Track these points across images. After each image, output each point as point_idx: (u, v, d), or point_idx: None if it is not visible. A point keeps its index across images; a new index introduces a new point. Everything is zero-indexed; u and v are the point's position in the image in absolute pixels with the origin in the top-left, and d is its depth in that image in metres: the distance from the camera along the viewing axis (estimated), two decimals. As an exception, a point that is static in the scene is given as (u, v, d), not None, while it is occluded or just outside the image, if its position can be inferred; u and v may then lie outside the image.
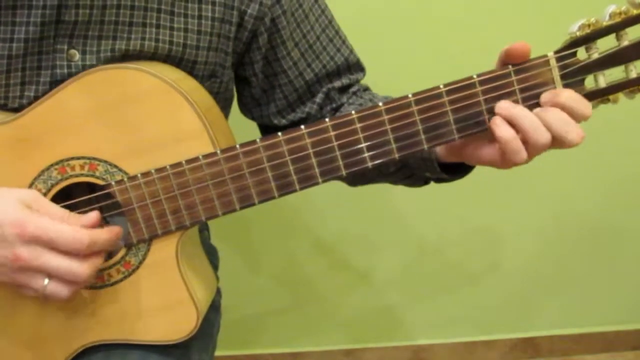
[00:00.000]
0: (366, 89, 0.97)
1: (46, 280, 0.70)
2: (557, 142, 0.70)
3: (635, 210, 1.73)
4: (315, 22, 0.91)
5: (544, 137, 0.69)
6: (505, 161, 0.73)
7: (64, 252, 0.69)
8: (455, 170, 0.83)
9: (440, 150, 0.80)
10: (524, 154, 0.70)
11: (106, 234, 0.72)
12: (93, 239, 0.70)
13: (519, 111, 0.70)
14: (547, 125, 0.69)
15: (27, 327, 0.79)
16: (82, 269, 0.70)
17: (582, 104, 0.70)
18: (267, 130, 0.97)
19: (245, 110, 0.97)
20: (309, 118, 0.93)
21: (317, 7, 0.91)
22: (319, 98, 0.92)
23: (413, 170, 0.86)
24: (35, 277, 0.70)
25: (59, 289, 0.71)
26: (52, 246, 0.69)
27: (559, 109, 0.70)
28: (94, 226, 0.72)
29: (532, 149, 0.71)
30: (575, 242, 1.75)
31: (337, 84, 0.93)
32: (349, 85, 0.94)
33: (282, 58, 0.89)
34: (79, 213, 0.73)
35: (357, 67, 0.95)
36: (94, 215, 0.73)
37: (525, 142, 0.70)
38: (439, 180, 0.87)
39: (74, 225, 0.70)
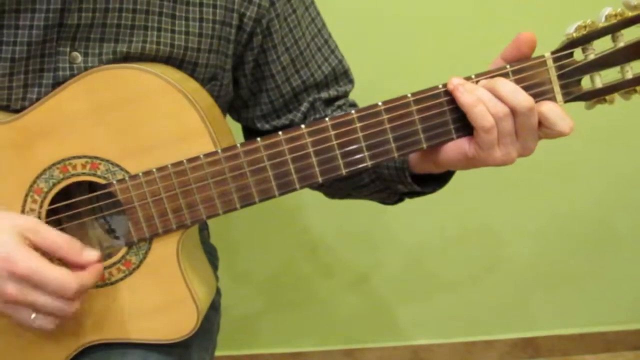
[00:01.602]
0: (352, 104, 0.96)
1: (33, 315, 0.71)
2: (514, 113, 0.70)
3: (635, 210, 1.73)
4: (306, 30, 0.91)
5: (501, 106, 0.70)
6: (475, 145, 0.72)
7: (53, 294, 0.70)
8: (428, 183, 0.83)
9: (412, 158, 0.81)
10: (489, 117, 0.70)
11: (94, 277, 0.74)
12: (82, 284, 0.71)
13: (472, 86, 0.71)
14: (499, 96, 0.70)
15: (26, 327, 0.80)
16: (68, 307, 0.71)
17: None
18: (250, 133, 0.97)
19: (232, 110, 0.97)
20: (292, 126, 0.92)
21: (308, 15, 0.91)
22: (304, 107, 0.92)
23: (387, 182, 0.86)
24: (22, 311, 0.71)
25: (46, 323, 0.72)
26: (41, 288, 0.70)
27: (507, 80, 0.71)
28: (92, 264, 0.73)
29: (499, 123, 0.70)
30: (575, 242, 1.75)
31: (324, 95, 0.93)
32: (336, 98, 0.94)
33: (272, 62, 0.89)
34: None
35: (344, 77, 0.95)
36: (95, 255, 0.74)
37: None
38: (412, 194, 0.87)
39: (64, 271, 0.70)
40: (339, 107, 0.94)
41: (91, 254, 0.73)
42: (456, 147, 0.74)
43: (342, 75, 0.94)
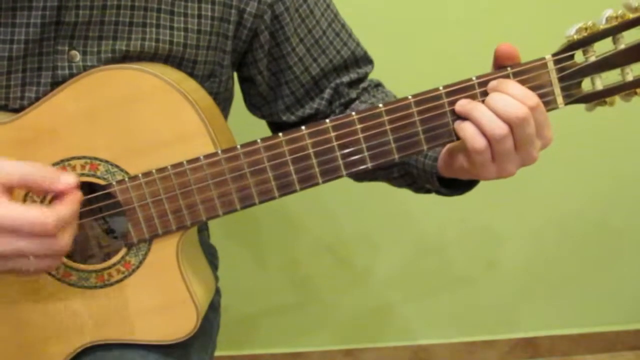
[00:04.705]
0: (377, 84, 0.97)
1: (30, 258, 0.69)
2: (514, 130, 0.69)
3: (635, 210, 1.73)
4: (321, 17, 0.91)
5: (499, 127, 0.69)
6: (471, 160, 0.72)
7: (33, 234, 0.67)
8: (456, 185, 0.83)
9: (440, 163, 0.80)
10: (480, 139, 0.70)
11: (70, 206, 0.70)
12: (59, 216, 0.68)
13: (473, 105, 0.71)
14: (495, 112, 0.69)
15: (26, 327, 0.80)
16: (56, 242, 0.68)
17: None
18: (278, 128, 0.97)
19: (255, 109, 0.97)
20: (318, 114, 0.93)
21: (323, 2, 0.91)
22: (327, 94, 0.92)
23: (415, 179, 0.86)
24: (17, 260, 0.69)
25: (44, 264, 0.70)
26: (18, 232, 0.67)
27: (501, 93, 0.70)
28: (73, 187, 0.70)
29: (495, 145, 0.70)
30: (575, 242, 1.75)
31: (346, 78, 0.93)
32: (358, 80, 0.94)
33: (287, 54, 0.89)
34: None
35: (364, 60, 0.95)
36: (72, 178, 0.70)
37: (488, 140, 0.70)
38: (439, 193, 0.87)
39: (35, 209, 0.67)
40: (364, 89, 0.95)
41: (69, 178, 0.70)
42: (458, 159, 0.75)
43: (362, 58, 0.95)
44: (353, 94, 0.94)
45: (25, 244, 0.68)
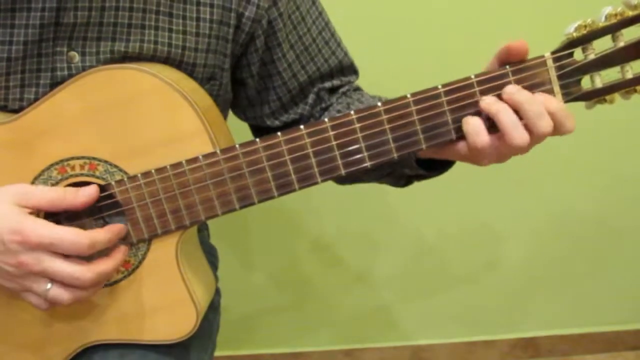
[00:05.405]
0: (356, 89, 0.97)
1: (49, 285, 0.71)
2: (532, 140, 0.70)
3: (635, 211, 1.73)
4: (312, 25, 0.91)
5: (521, 137, 0.69)
6: (467, 151, 0.73)
7: (66, 255, 0.70)
8: (433, 166, 0.83)
9: None
10: (484, 137, 0.70)
11: (106, 234, 0.73)
12: (93, 240, 0.71)
13: (501, 107, 0.70)
14: (529, 126, 0.69)
15: (26, 327, 0.80)
16: (83, 273, 0.71)
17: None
18: (260, 131, 0.97)
19: (239, 111, 0.97)
20: (301, 119, 0.93)
21: (315, 10, 0.92)
22: (310, 99, 0.93)
23: (393, 166, 0.85)
24: (38, 282, 0.71)
25: (61, 293, 0.72)
26: (54, 250, 0.70)
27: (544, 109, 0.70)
28: (93, 198, 0.73)
29: (505, 149, 0.71)
30: (575, 241, 1.75)
31: (328, 84, 0.93)
32: (340, 86, 0.95)
33: (278, 60, 0.89)
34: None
35: (350, 69, 0.95)
36: (92, 190, 0.73)
37: (498, 140, 0.71)
38: (418, 177, 0.87)
39: (74, 229, 0.71)
40: (344, 93, 0.94)
41: (86, 190, 0.73)
42: (457, 145, 0.74)
43: (348, 67, 0.95)
44: (332, 99, 0.94)
45: (54, 264, 0.70)
